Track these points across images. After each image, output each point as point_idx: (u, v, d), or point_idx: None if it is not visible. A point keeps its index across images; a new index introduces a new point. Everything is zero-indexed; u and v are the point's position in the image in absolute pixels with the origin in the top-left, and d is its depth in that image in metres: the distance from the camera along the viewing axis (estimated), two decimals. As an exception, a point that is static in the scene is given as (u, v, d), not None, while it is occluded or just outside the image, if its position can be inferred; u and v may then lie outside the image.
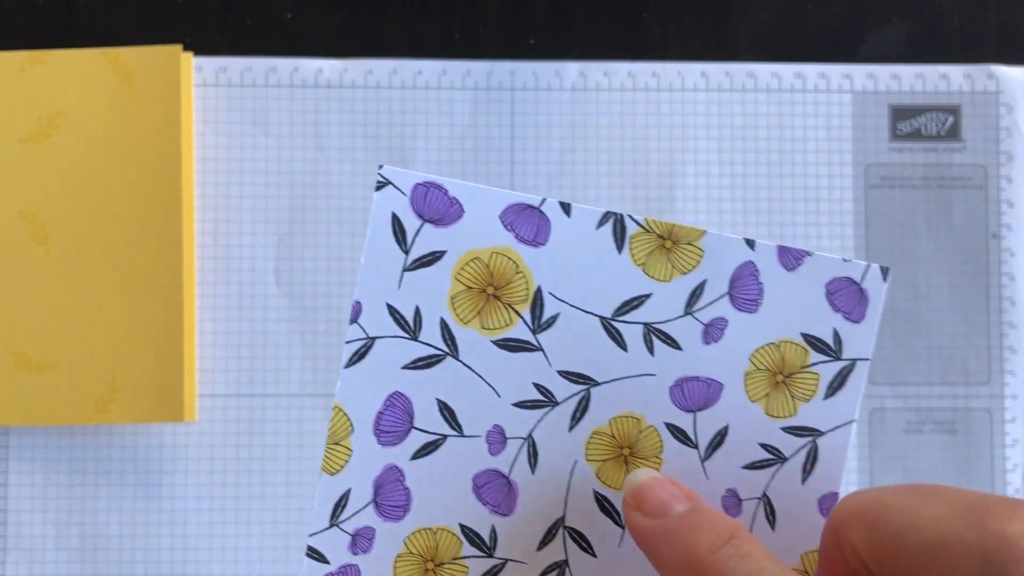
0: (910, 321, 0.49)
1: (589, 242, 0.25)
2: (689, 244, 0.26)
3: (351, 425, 0.25)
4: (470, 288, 0.25)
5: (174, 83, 0.47)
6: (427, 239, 0.25)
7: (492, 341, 0.25)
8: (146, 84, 0.47)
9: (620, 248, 0.25)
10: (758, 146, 0.50)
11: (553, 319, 0.25)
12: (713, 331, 0.26)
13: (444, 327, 0.25)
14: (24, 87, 0.47)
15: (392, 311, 0.25)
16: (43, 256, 0.47)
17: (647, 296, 0.26)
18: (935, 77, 0.50)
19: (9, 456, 0.48)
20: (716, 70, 0.50)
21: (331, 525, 0.25)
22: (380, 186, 0.24)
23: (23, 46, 0.48)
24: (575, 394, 0.26)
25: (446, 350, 0.25)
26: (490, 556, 0.26)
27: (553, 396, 0.26)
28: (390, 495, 0.25)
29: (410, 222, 0.25)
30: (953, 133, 0.50)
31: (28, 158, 0.47)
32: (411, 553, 0.25)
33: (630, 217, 0.25)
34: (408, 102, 0.49)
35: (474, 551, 0.26)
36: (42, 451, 0.48)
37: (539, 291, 0.25)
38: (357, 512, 0.25)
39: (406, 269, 0.25)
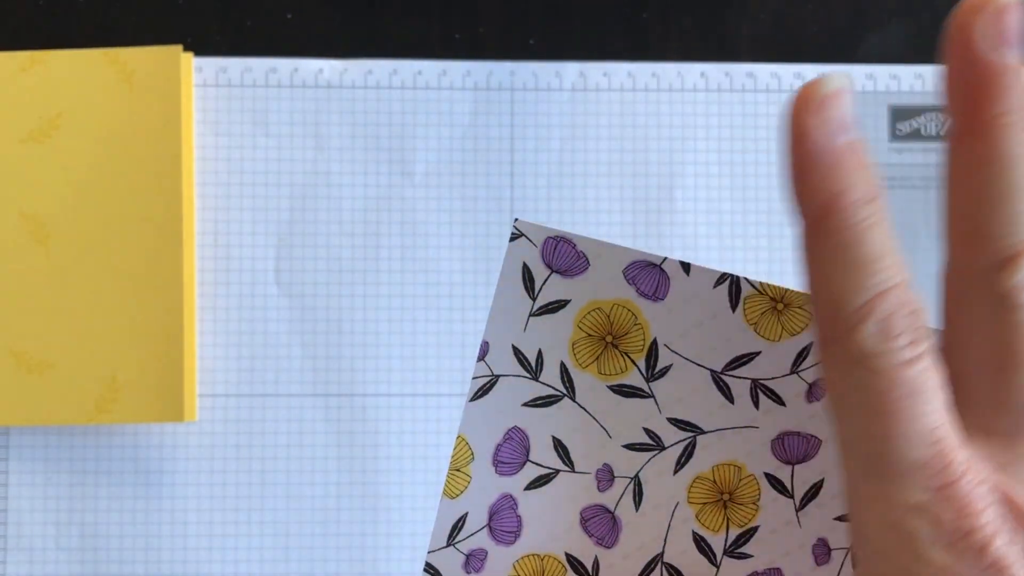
0: (909, 321, 0.49)
1: (705, 300, 0.26)
2: (800, 308, 0.27)
3: (472, 454, 0.27)
4: (591, 336, 0.26)
5: (174, 83, 0.47)
6: (554, 288, 0.26)
7: (608, 386, 0.27)
8: (146, 84, 0.47)
9: (734, 308, 0.26)
10: (758, 146, 0.50)
11: (666, 369, 0.27)
12: (816, 390, 0.27)
13: (564, 370, 0.26)
14: (25, 87, 0.47)
15: (517, 352, 0.26)
16: (43, 256, 0.47)
17: (756, 354, 0.27)
18: (935, 77, 0.50)
19: (9, 456, 0.48)
20: (716, 70, 0.50)
21: (448, 544, 0.27)
22: (514, 237, 0.26)
23: (24, 46, 0.48)
24: (682, 440, 0.27)
25: (564, 391, 0.27)
26: None
27: (661, 441, 0.27)
28: (503, 521, 0.27)
29: (539, 272, 0.26)
30: (952, 133, 0.50)
31: (29, 158, 0.47)
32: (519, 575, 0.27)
33: (746, 280, 0.26)
34: (408, 102, 0.49)
35: None
36: (42, 451, 0.48)
37: (655, 343, 0.27)
38: (472, 534, 0.27)
39: (532, 314, 0.26)
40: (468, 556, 0.27)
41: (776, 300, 0.27)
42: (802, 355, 0.27)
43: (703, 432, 0.27)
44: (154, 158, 0.47)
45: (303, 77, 0.49)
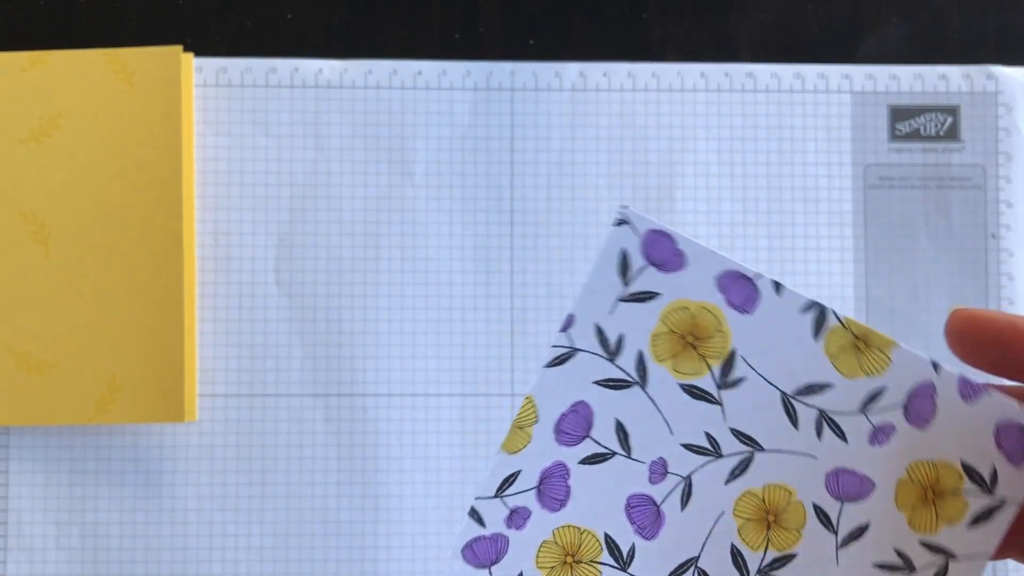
0: (909, 321, 0.49)
1: (790, 323, 0.27)
2: (880, 351, 0.27)
3: (537, 417, 0.28)
4: (673, 332, 0.28)
5: (174, 84, 0.47)
6: (647, 279, 0.27)
7: (679, 384, 0.28)
8: (147, 85, 0.47)
9: (816, 336, 0.27)
10: (757, 146, 0.50)
11: (739, 381, 0.28)
12: (880, 434, 0.28)
13: (640, 359, 0.28)
14: (25, 87, 0.47)
15: (599, 332, 0.28)
16: (44, 256, 0.47)
17: (829, 385, 0.28)
18: (934, 77, 0.50)
19: (10, 456, 0.48)
20: (715, 71, 0.50)
21: (496, 496, 0.28)
22: (619, 223, 0.27)
23: (24, 47, 0.48)
24: (740, 453, 0.28)
25: (636, 379, 0.28)
26: (623, 571, 0.28)
27: (719, 448, 0.28)
28: (553, 487, 0.28)
29: (636, 260, 0.27)
30: (952, 133, 0.50)
31: (29, 158, 0.47)
32: (556, 543, 0.28)
33: (833, 312, 0.27)
34: (408, 102, 0.49)
35: (611, 560, 0.28)
36: (43, 451, 0.48)
37: (733, 352, 0.28)
38: (521, 492, 0.28)
39: (622, 299, 0.27)
40: (512, 512, 0.28)
41: (859, 338, 0.27)
42: (873, 397, 0.28)
43: (762, 450, 0.28)
44: (154, 158, 0.47)
45: (303, 77, 0.49)
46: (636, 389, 0.28)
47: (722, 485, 0.28)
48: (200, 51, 0.49)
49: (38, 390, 0.47)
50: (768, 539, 0.28)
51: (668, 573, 0.28)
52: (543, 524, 0.28)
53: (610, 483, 0.28)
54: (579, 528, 0.28)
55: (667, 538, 0.28)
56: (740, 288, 0.27)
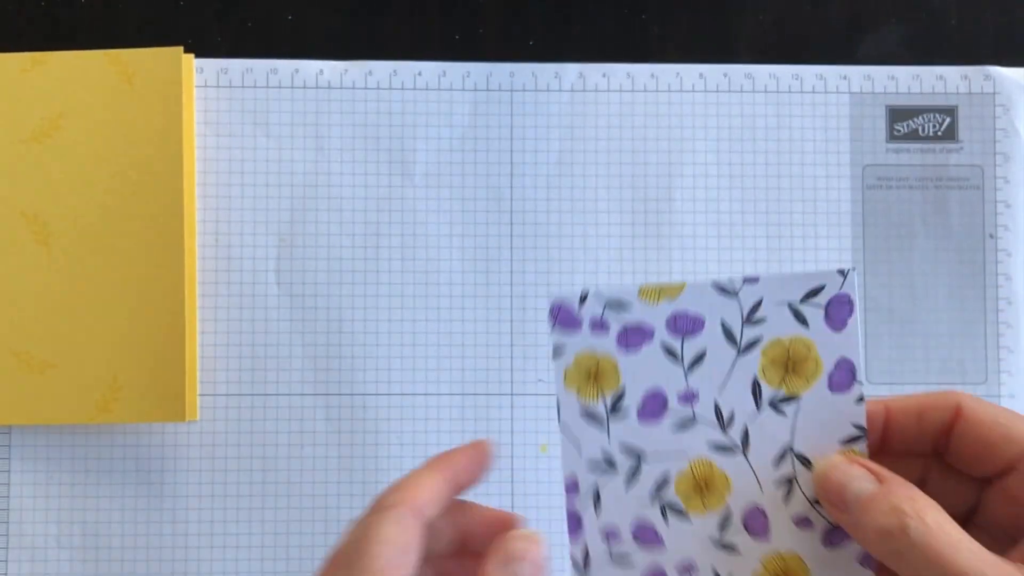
0: (907, 321, 0.49)
1: (842, 421, 0.34)
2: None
3: (674, 298, 0.34)
4: (787, 348, 0.34)
5: (175, 84, 0.47)
6: (811, 312, 0.34)
7: (754, 374, 0.34)
8: (148, 85, 0.47)
9: (843, 445, 0.34)
10: (756, 147, 0.50)
11: (785, 411, 0.34)
12: (833, 536, 0.34)
13: (756, 340, 0.34)
14: (26, 88, 0.47)
15: (759, 302, 0.34)
16: (45, 256, 0.47)
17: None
18: (932, 78, 0.50)
19: (12, 455, 0.48)
20: (714, 71, 0.50)
21: (604, 305, 0.34)
22: (840, 272, 0.33)
23: (26, 48, 0.49)
24: (732, 441, 0.34)
25: (739, 346, 0.34)
26: (605, 411, 0.34)
27: (727, 422, 0.34)
28: (634, 336, 0.34)
29: (822, 298, 0.33)
30: (950, 134, 0.50)
31: (30, 158, 0.47)
32: (597, 363, 0.34)
33: (864, 445, 0.34)
34: (408, 103, 0.50)
35: (609, 403, 0.34)
36: (44, 450, 0.48)
37: (799, 397, 0.34)
38: (619, 314, 0.34)
39: (788, 302, 0.34)
40: (601, 320, 0.34)
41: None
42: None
43: (742, 453, 0.34)
44: (155, 159, 0.47)
45: (304, 78, 0.50)
46: (731, 347, 0.34)
47: (704, 444, 0.34)
48: (201, 52, 0.49)
49: (40, 390, 0.47)
50: (700, 499, 0.34)
51: (622, 441, 0.34)
52: (605, 345, 0.34)
53: (661, 371, 0.34)
54: (619, 373, 0.34)
55: (650, 430, 0.34)
56: (847, 375, 0.33)
